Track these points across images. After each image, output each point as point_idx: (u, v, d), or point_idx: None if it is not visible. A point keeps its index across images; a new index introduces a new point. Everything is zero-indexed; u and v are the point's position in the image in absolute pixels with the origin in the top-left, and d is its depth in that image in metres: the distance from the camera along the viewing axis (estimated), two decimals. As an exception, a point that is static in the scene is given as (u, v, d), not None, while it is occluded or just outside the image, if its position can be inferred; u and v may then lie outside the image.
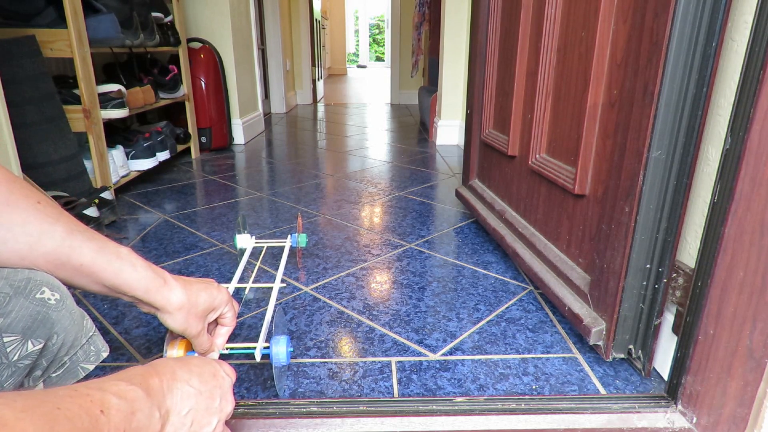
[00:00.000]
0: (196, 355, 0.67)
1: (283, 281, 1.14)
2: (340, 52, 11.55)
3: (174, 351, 0.66)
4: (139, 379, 0.41)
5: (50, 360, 0.46)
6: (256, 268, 1.22)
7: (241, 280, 1.12)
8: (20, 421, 0.28)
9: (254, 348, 0.75)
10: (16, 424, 0.28)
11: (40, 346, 0.44)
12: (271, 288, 1.00)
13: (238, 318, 0.99)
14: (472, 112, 1.50)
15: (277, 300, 1.00)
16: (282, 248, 1.33)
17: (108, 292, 0.51)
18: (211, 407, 0.47)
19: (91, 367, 0.51)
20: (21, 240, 0.44)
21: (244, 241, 1.19)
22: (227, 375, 0.52)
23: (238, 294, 1.09)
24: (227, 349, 0.72)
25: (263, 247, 1.32)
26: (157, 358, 0.85)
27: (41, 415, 0.30)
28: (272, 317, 0.84)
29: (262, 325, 0.96)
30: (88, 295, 1.08)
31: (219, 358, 0.68)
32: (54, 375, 0.48)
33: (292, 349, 0.88)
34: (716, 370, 0.66)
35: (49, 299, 0.45)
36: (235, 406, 0.72)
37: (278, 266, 1.11)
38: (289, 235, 1.22)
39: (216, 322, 0.67)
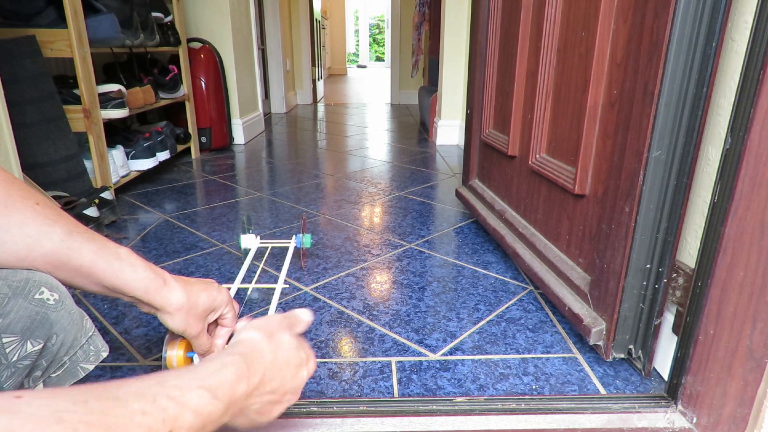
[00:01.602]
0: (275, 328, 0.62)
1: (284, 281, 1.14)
2: (340, 52, 11.55)
3: (174, 351, 0.66)
4: (227, 389, 0.39)
5: (50, 360, 0.46)
6: (260, 268, 1.22)
7: (245, 280, 1.12)
8: None
9: None
10: None
11: (40, 346, 0.44)
12: (274, 288, 1.00)
13: (239, 318, 0.99)
14: (472, 112, 1.50)
15: (278, 300, 1.00)
16: (284, 248, 1.33)
17: (108, 293, 0.51)
18: (278, 403, 0.47)
19: (91, 367, 0.51)
20: (19, 241, 0.44)
21: (249, 242, 1.18)
22: (308, 373, 0.51)
23: (238, 294, 1.09)
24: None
25: (267, 247, 1.32)
26: (157, 359, 0.85)
27: None
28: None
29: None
30: (88, 295, 1.08)
31: None
32: (54, 375, 0.48)
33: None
34: (716, 370, 0.66)
35: (48, 299, 0.44)
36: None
37: (280, 266, 1.11)
38: (294, 236, 1.22)
39: (216, 323, 0.67)
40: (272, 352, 0.47)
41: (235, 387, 0.40)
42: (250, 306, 1.05)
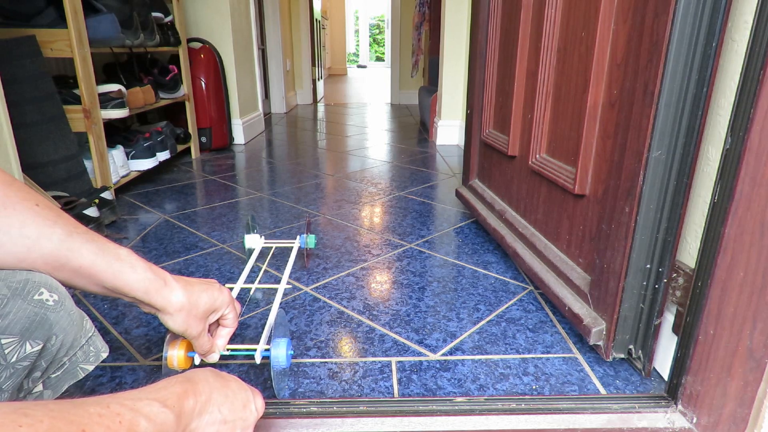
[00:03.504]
0: (215, 356, 0.67)
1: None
2: (340, 52, 11.55)
3: (175, 351, 0.66)
4: (174, 401, 0.42)
5: (49, 361, 0.46)
6: (263, 269, 1.22)
7: (246, 280, 1.12)
8: None
9: (255, 350, 0.75)
10: None
11: (39, 347, 0.44)
12: (276, 289, 1.00)
13: (241, 318, 0.99)
14: (472, 112, 1.50)
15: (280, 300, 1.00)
16: (286, 248, 1.33)
17: (108, 293, 0.51)
18: None
19: (91, 368, 0.51)
20: (19, 243, 0.44)
21: (253, 242, 1.18)
22: (256, 410, 0.53)
23: (240, 295, 1.09)
24: (228, 350, 0.72)
25: (270, 247, 1.32)
26: (157, 359, 0.85)
27: None
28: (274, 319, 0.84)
29: (264, 325, 0.96)
30: (88, 295, 1.08)
31: (219, 359, 0.68)
32: (53, 376, 0.48)
33: (292, 352, 0.88)
34: (716, 370, 0.66)
35: (47, 300, 0.44)
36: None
37: (281, 267, 1.11)
38: (298, 236, 1.22)
39: (217, 323, 0.67)
40: (218, 381, 0.50)
41: (183, 401, 0.43)
42: (251, 306, 1.05)
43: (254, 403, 0.53)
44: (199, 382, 0.47)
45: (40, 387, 0.47)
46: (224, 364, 0.85)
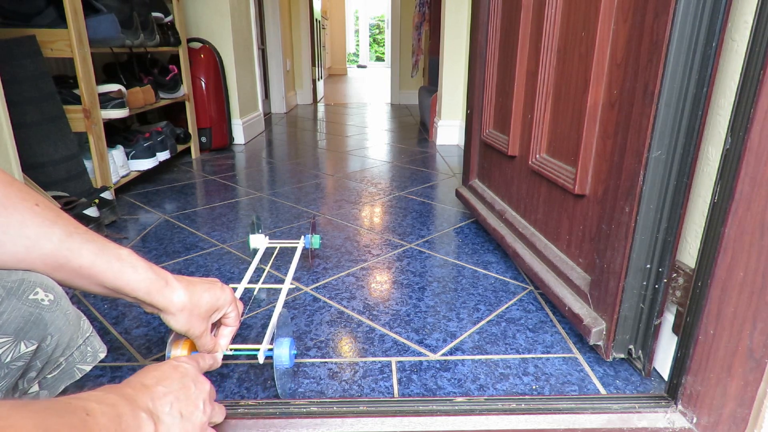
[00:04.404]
0: (196, 354, 0.67)
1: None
2: (340, 52, 11.55)
3: (178, 351, 0.66)
4: (112, 387, 0.43)
5: (45, 361, 0.46)
6: (267, 269, 1.22)
7: (251, 279, 1.11)
8: (13, 415, 0.30)
9: (258, 350, 0.74)
10: (10, 414, 0.30)
11: (34, 347, 0.43)
12: (280, 288, 1.00)
13: (244, 317, 0.99)
14: (473, 112, 1.50)
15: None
16: (288, 248, 1.33)
17: (109, 293, 0.51)
18: (190, 395, 0.50)
19: (88, 368, 0.51)
20: (18, 243, 0.44)
21: (258, 242, 1.18)
22: (186, 362, 0.54)
23: (243, 294, 1.09)
24: (231, 350, 0.72)
25: (275, 247, 1.32)
26: (157, 359, 0.85)
27: (33, 411, 0.31)
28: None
29: (268, 325, 0.96)
30: (88, 295, 1.08)
31: (223, 359, 0.68)
32: (50, 376, 0.48)
33: (296, 352, 0.88)
34: (716, 370, 0.66)
35: (42, 300, 0.44)
36: (235, 405, 0.72)
37: (281, 267, 1.11)
38: (303, 236, 1.22)
39: (220, 322, 0.67)
40: (137, 375, 0.50)
41: (121, 389, 0.44)
42: (254, 306, 1.05)
43: (180, 363, 0.53)
44: (125, 383, 0.48)
45: (36, 387, 0.47)
46: (227, 363, 0.85)
